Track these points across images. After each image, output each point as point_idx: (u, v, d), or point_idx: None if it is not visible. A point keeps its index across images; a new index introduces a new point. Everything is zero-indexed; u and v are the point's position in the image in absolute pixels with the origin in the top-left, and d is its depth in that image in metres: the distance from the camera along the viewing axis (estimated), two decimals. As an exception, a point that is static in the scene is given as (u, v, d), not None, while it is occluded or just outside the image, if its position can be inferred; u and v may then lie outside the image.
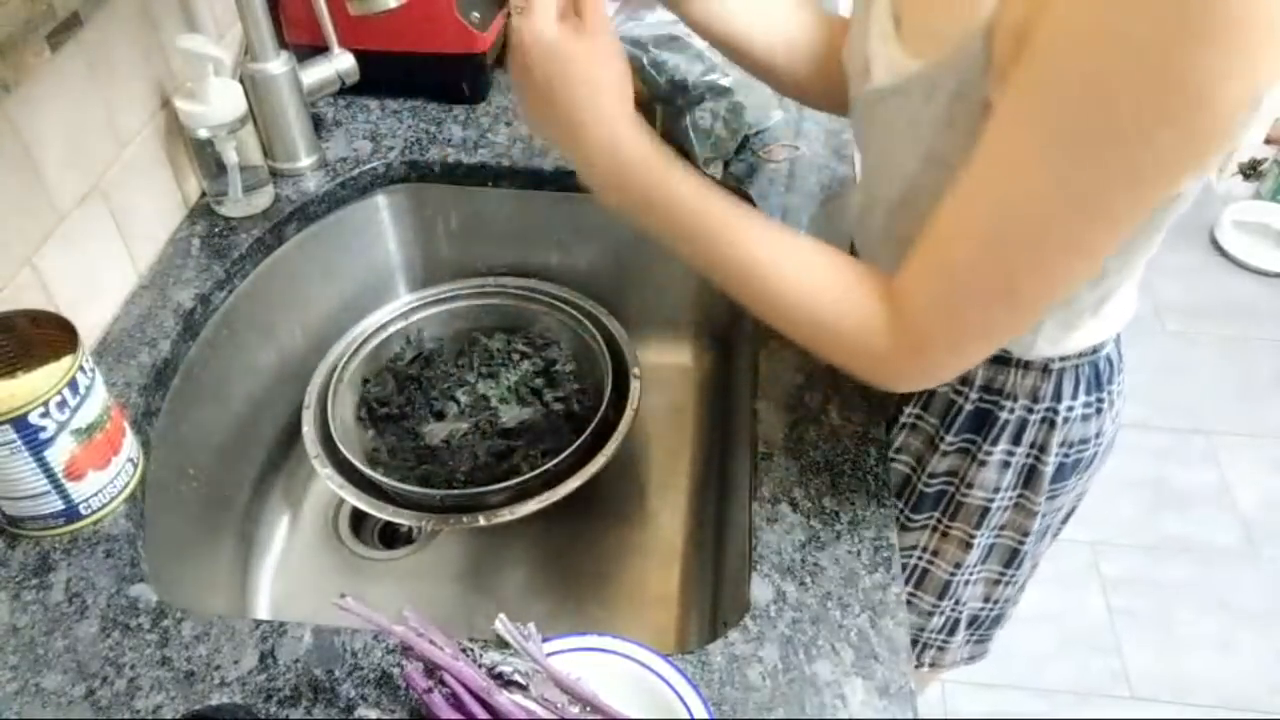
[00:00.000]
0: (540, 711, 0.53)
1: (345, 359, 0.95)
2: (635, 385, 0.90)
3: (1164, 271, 2.36)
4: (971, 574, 0.86)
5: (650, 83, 0.98)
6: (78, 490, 0.64)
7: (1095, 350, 0.72)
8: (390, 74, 1.06)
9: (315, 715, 0.56)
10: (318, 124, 1.04)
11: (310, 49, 0.99)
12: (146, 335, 0.80)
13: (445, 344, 1.03)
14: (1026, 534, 0.83)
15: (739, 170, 1.00)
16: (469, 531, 0.94)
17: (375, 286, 1.08)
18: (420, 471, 0.90)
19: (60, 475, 0.63)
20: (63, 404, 0.61)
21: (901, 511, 0.83)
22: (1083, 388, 0.73)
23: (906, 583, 0.88)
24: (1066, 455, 0.77)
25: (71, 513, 0.65)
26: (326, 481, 0.84)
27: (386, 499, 0.83)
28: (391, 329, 1.00)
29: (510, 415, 0.97)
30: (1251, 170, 2.58)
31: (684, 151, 0.97)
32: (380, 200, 1.04)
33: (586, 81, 0.57)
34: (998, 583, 0.89)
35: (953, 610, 0.91)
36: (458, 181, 1.03)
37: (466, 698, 0.52)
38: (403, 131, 1.05)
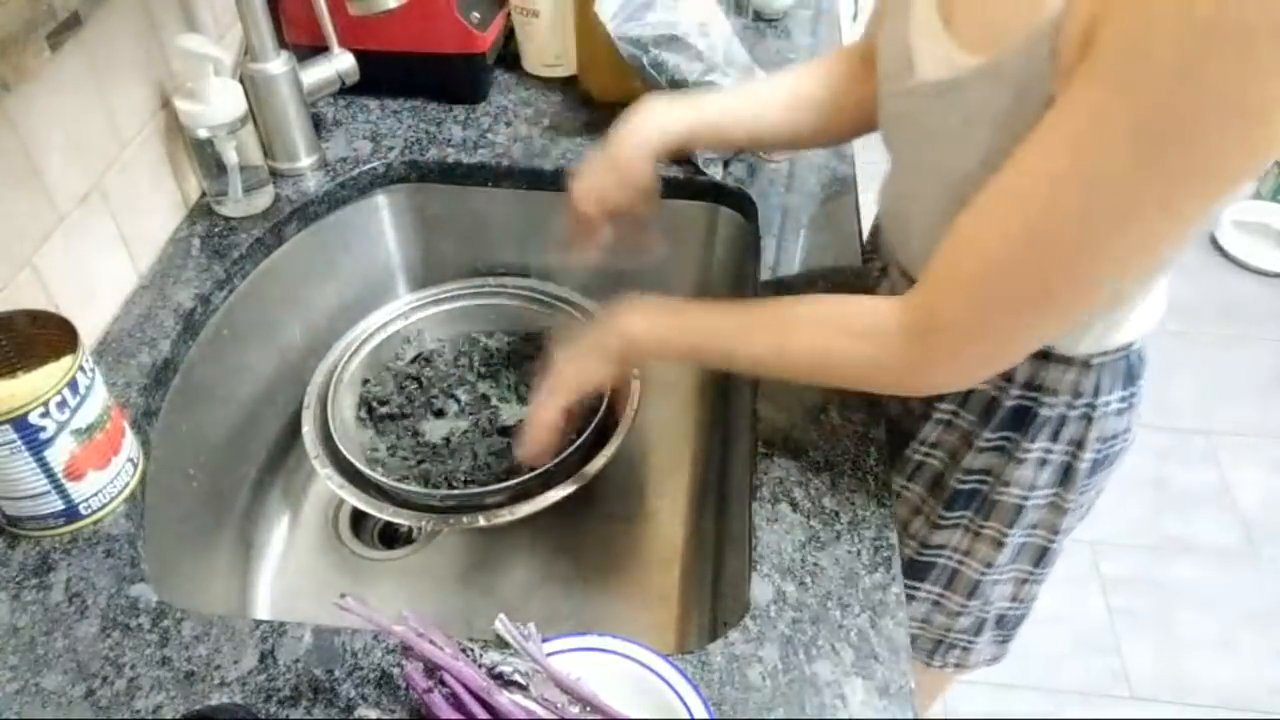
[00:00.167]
0: (540, 711, 0.53)
1: (345, 359, 0.94)
2: (635, 385, 0.90)
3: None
4: (1002, 573, 0.86)
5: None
6: (78, 490, 0.64)
7: (1129, 345, 0.72)
8: (390, 74, 1.06)
9: (315, 715, 0.56)
10: (318, 124, 1.04)
11: (310, 49, 0.99)
12: (146, 335, 0.80)
13: (445, 344, 1.03)
14: (1057, 532, 0.82)
15: (739, 170, 1.00)
16: (469, 531, 0.94)
17: (375, 286, 1.08)
18: (420, 470, 0.90)
19: (60, 475, 0.63)
20: (63, 404, 0.61)
21: (933, 509, 0.83)
22: (1118, 383, 0.73)
23: (935, 583, 0.88)
24: (1099, 451, 0.77)
25: (71, 513, 0.65)
26: (326, 481, 0.84)
27: (386, 499, 0.83)
28: (391, 329, 1.00)
29: (510, 414, 0.97)
30: (1252, 170, 2.58)
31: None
32: (380, 200, 1.04)
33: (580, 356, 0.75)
34: (1025, 582, 0.89)
35: (980, 610, 0.90)
36: (458, 181, 1.03)
37: (466, 698, 0.52)
38: (403, 131, 1.05)
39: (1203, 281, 2.38)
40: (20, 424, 0.59)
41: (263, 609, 0.89)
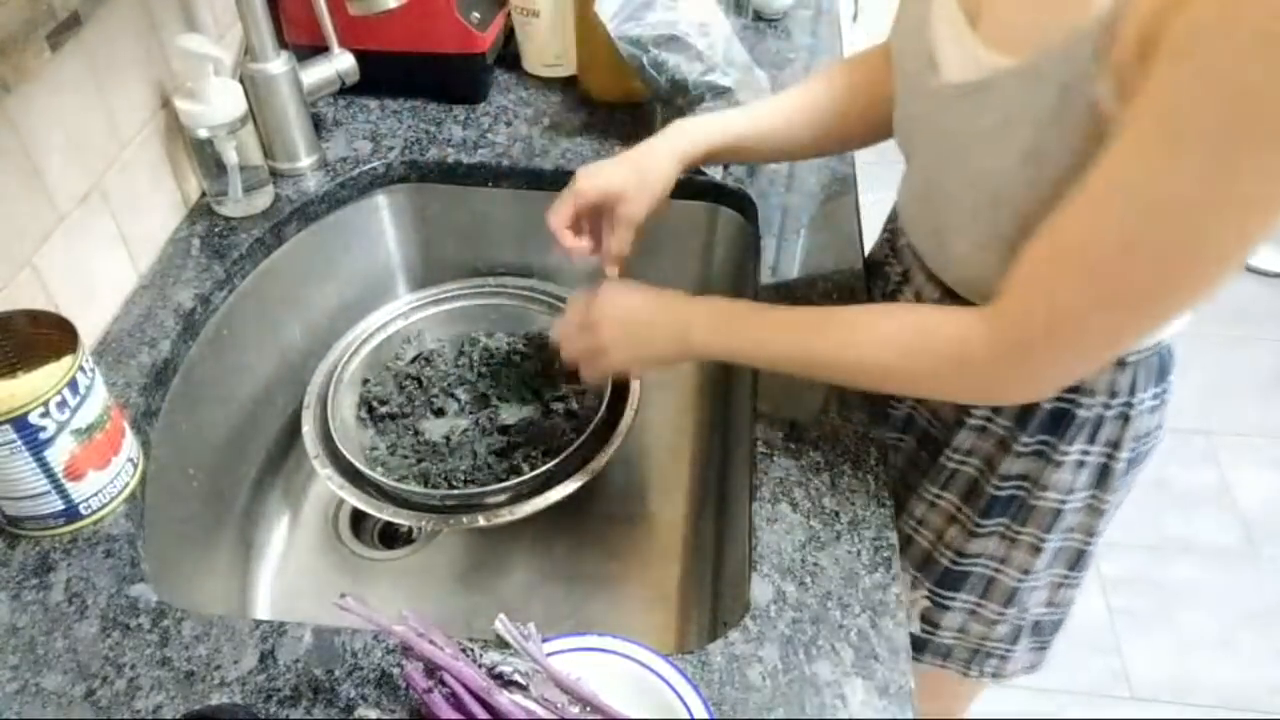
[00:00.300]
0: (540, 711, 0.53)
1: (345, 359, 0.94)
2: (635, 385, 0.90)
3: (1164, 271, 2.35)
4: (1039, 579, 0.84)
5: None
6: (78, 490, 0.64)
7: (1160, 341, 0.71)
8: (390, 74, 1.06)
9: (315, 715, 0.56)
10: (318, 124, 1.04)
11: (310, 49, 0.99)
12: (146, 335, 0.80)
13: (445, 344, 1.03)
14: (1093, 534, 0.81)
15: (739, 170, 1.00)
16: (469, 531, 0.94)
17: (375, 286, 1.08)
18: (420, 469, 0.90)
19: (60, 475, 0.63)
20: (63, 404, 0.61)
21: (969, 517, 0.81)
22: (1152, 380, 0.73)
23: (971, 592, 0.86)
24: (1134, 450, 0.76)
25: (71, 513, 0.65)
26: (326, 481, 0.84)
27: (386, 499, 0.83)
28: (391, 329, 1.00)
29: (510, 413, 0.97)
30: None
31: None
32: (380, 200, 1.04)
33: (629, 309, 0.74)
34: (1061, 586, 0.87)
35: (1017, 618, 0.87)
36: (458, 181, 1.03)
37: (466, 698, 0.52)
38: (403, 131, 1.05)
39: (1203, 281, 2.37)
40: (20, 424, 0.59)
41: (263, 609, 0.89)
